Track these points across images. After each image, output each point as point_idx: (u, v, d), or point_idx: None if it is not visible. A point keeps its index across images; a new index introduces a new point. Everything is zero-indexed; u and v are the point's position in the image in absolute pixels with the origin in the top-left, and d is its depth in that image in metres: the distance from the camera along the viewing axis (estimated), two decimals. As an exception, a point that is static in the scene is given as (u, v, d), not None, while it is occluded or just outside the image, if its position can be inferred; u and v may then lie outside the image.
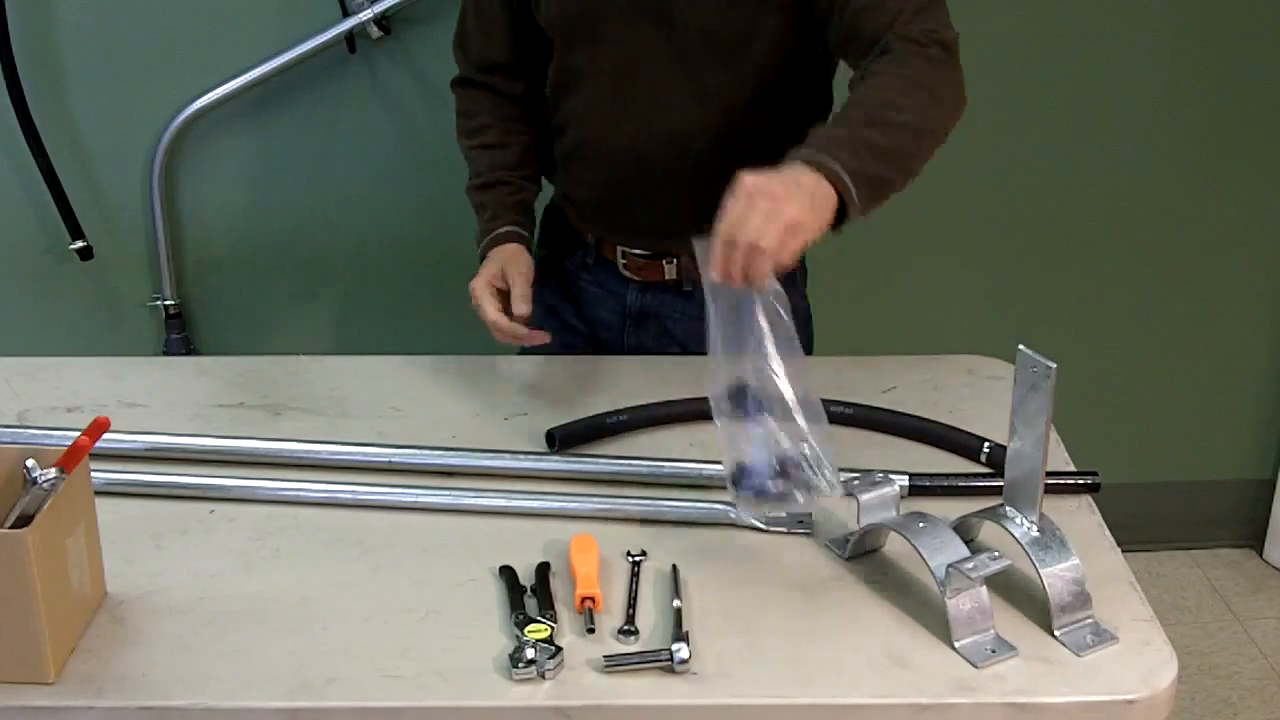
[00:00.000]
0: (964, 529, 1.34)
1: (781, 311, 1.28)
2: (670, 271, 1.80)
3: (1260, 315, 2.75)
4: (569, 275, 1.88)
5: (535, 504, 1.44)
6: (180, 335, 2.52)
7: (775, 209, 1.26)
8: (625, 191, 1.76)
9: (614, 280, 1.84)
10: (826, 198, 1.31)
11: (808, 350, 1.70)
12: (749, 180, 1.28)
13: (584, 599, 1.27)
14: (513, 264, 1.69)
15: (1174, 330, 2.75)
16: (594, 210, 1.82)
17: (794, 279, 1.82)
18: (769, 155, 1.49)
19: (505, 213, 1.76)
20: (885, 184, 1.38)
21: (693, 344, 1.81)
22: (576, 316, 1.89)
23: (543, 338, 1.68)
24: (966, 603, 1.23)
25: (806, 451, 1.27)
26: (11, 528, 1.15)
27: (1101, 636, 1.25)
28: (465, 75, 1.84)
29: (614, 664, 1.19)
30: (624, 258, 1.81)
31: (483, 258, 1.73)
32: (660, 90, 1.66)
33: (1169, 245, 2.66)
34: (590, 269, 1.85)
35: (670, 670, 1.19)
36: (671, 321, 1.83)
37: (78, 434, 1.21)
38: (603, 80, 1.69)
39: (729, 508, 1.42)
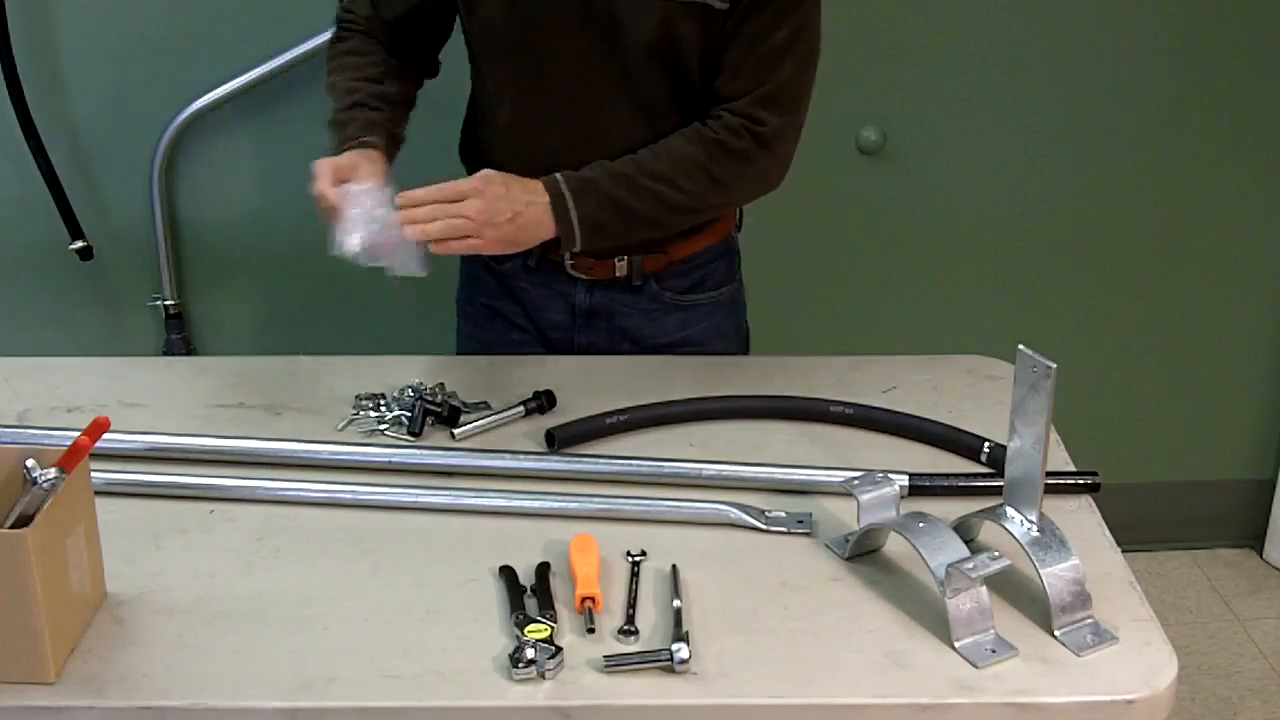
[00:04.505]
0: (964, 529, 1.34)
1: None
2: (621, 269, 1.78)
3: (1260, 315, 2.75)
4: (506, 277, 1.85)
5: (535, 504, 1.44)
6: (180, 335, 2.52)
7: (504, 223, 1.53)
8: None
9: (561, 280, 1.81)
10: (539, 229, 1.57)
11: (745, 350, 1.92)
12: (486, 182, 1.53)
13: (584, 599, 1.27)
14: (368, 161, 1.59)
15: (1174, 330, 2.75)
16: None
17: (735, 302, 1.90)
18: None
19: (378, 131, 1.65)
20: (613, 235, 1.64)
21: (645, 339, 1.82)
22: (523, 317, 1.86)
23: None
24: (966, 603, 1.23)
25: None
26: (11, 528, 1.15)
27: (1101, 636, 1.25)
28: (365, 28, 1.72)
29: (614, 664, 1.19)
30: (572, 257, 1.78)
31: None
32: (604, 103, 1.65)
33: (1169, 245, 2.66)
34: (533, 271, 1.82)
35: (670, 670, 1.19)
36: (623, 317, 1.81)
37: (78, 434, 1.21)
38: (546, 93, 1.67)
39: (729, 508, 1.43)
